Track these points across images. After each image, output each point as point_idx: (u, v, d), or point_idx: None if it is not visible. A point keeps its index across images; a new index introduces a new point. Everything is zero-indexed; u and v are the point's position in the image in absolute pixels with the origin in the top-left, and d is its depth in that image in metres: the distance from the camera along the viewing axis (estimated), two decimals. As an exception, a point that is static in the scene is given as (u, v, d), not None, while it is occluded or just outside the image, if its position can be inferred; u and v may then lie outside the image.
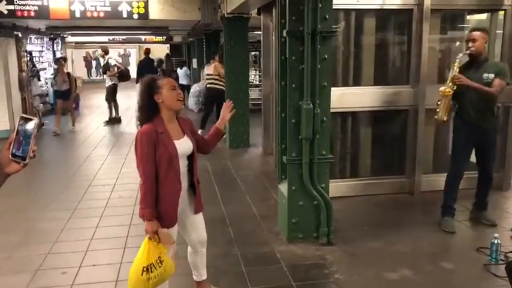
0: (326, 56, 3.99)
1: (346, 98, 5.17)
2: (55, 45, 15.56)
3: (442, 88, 4.18)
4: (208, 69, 9.69)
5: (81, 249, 4.11)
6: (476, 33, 4.17)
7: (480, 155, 4.42)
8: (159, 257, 2.66)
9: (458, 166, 4.38)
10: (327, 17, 3.94)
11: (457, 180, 4.39)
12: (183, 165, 2.79)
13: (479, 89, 4.10)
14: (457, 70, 4.14)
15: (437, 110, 4.24)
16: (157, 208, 2.70)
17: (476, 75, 4.14)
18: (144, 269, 2.62)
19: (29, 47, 13.02)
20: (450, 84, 4.14)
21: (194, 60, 16.91)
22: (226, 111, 3.13)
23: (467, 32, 4.41)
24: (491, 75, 4.15)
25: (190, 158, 2.85)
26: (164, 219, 2.74)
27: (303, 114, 3.94)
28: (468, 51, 4.18)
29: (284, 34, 3.98)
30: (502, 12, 5.52)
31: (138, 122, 2.76)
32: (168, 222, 2.76)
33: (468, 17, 6.12)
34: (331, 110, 4.20)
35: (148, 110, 2.73)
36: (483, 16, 6.06)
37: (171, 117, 2.77)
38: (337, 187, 5.12)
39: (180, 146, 2.74)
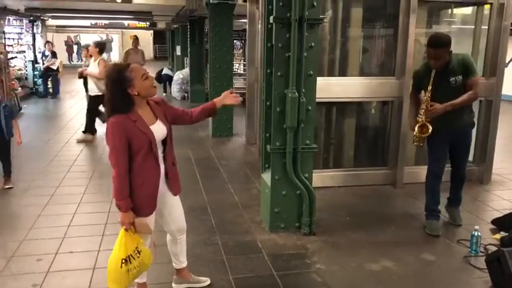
0: (313, 44, 3.92)
1: (331, 88, 5.13)
2: (35, 28, 15.16)
3: (419, 124, 3.93)
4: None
5: (57, 236, 4.00)
6: (441, 51, 3.81)
7: (455, 155, 4.21)
8: (137, 247, 2.61)
9: (436, 167, 4.16)
10: (315, 4, 3.87)
11: (437, 181, 4.17)
12: (158, 150, 2.70)
13: (457, 106, 3.87)
14: (429, 102, 3.87)
15: (415, 140, 4.06)
16: (137, 196, 2.62)
17: (443, 82, 3.89)
18: (123, 261, 2.56)
19: (6, 29, 12.71)
20: (422, 118, 3.90)
21: (178, 48, 16.70)
22: (232, 98, 3.01)
23: (426, 45, 3.94)
24: (459, 77, 3.89)
25: (165, 143, 2.76)
26: (144, 207, 2.66)
27: (288, 103, 3.88)
28: (433, 72, 3.86)
29: (271, 20, 3.90)
30: (487, 6, 5.54)
31: (108, 114, 2.60)
32: (148, 208, 2.69)
33: (454, 11, 6.13)
34: (316, 100, 4.15)
35: (124, 104, 2.55)
36: (468, 10, 6.07)
37: (142, 103, 2.66)
38: (320, 177, 5.10)
39: (154, 131, 2.65)
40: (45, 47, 14.05)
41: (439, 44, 3.85)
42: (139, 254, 2.61)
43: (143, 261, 2.64)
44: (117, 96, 2.56)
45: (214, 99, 3.01)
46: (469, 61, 3.99)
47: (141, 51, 10.99)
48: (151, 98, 2.76)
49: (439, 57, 3.83)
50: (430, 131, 3.92)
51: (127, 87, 2.55)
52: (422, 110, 3.94)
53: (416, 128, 4.00)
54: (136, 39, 11.24)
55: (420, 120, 3.97)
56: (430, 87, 3.89)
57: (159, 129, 2.69)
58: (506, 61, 5.80)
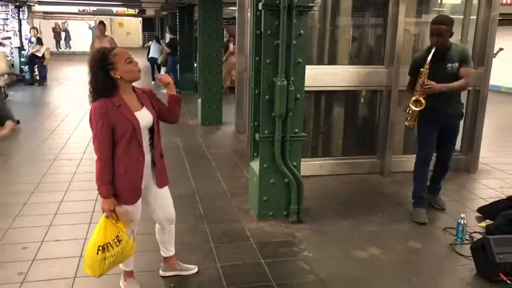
0: (302, 32, 3.90)
1: (320, 76, 5.11)
2: (21, 13, 14.89)
3: (415, 99, 3.97)
4: None
5: (44, 224, 3.96)
6: (443, 27, 3.90)
7: (443, 143, 4.25)
8: (117, 236, 2.57)
9: (425, 154, 4.23)
10: (304, -9, 3.84)
11: (425, 168, 4.24)
12: (145, 138, 2.67)
13: (449, 89, 3.96)
14: (426, 77, 3.91)
15: (407, 118, 4.09)
16: (120, 183, 2.59)
17: (440, 67, 3.96)
18: (100, 248, 2.53)
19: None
20: (419, 92, 3.94)
21: (167, 35, 16.51)
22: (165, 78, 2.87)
23: (431, 22, 4.06)
24: (456, 65, 4.00)
25: (152, 131, 2.72)
26: (127, 195, 2.64)
27: (277, 91, 3.86)
28: (433, 50, 3.91)
29: (260, 7, 3.86)
30: (477, -4, 5.55)
31: (91, 98, 2.57)
32: (131, 197, 2.67)
33: (444, 0, 6.13)
34: (305, 88, 4.13)
35: (106, 87, 2.53)
36: (457, 0, 6.07)
37: (127, 89, 2.63)
38: (309, 166, 5.11)
39: (139, 117, 2.61)
40: (30, 33, 13.82)
41: (442, 21, 3.99)
42: (120, 243, 2.56)
43: (123, 251, 2.59)
44: (99, 78, 2.53)
45: (168, 92, 2.88)
46: (467, 52, 4.16)
47: (108, 39, 9.73)
48: (139, 87, 2.74)
49: (441, 34, 3.91)
50: (423, 105, 3.95)
51: (109, 69, 2.52)
52: (419, 86, 3.96)
53: (411, 101, 4.02)
54: (101, 25, 10.08)
55: (416, 95, 4.00)
56: (429, 59, 3.91)
57: (144, 116, 2.65)
58: (494, 51, 5.84)
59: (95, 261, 2.55)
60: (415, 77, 4.09)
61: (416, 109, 4.01)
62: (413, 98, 4.01)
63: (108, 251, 2.53)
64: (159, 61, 12.42)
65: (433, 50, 3.93)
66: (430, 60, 3.93)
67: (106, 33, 10.19)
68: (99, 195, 2.62)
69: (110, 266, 2.61)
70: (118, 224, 2.58)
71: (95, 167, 2.57)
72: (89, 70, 2.57)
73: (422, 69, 3.94)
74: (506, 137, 8.11)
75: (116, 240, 2.55)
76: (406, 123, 4.18)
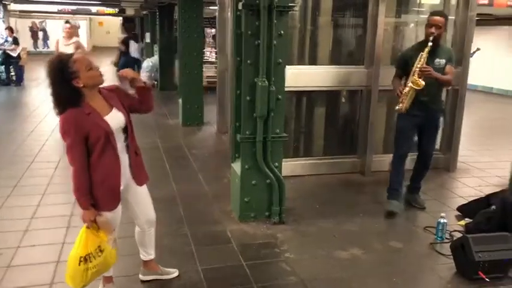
0: (282, 32, 3.88)
1: (301, 76, 5.11)
2: (-4, 12, 14.59)
3: (413, 80, 4.00)
4: None
5: (20, 228, 3.86)
6: (441, 20, 4.06)
7: (424, 139, 4.36)
8: (99, 246, 2.51)
9: (402, 151, 4.32)
10: (284, -9, 3.82)
11: (402, 165, 4.35)
12: (119, 140, 2.60)
13: (441, 79, 4.11)
14: (425, 61, 3.99)
15: (402, 100, 4.09)
16: (98, 191, 2.52)
17: (429, 60, 4.05)
18: (82, 259, 2.47)
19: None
20: (417, 75, 3.99)
21: (147, 34, 16.36)
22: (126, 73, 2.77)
23: (428, 15, 4.18)
24: (443, 61, 4.15)
25: (126, 131, 2.65)
26: (106, 201, 2.58)
27: (258, 92, 3.84)
28: (431, 38, 4.00)
29: (240, 7, 3.84)
30: (455, -3, 5.61)
31: (57, 110, 2.44)
32: (111, 203, 2.61)
33: (422, 1, 6.18)
34: (286, 89, 4.12)
35: (71, 98, 2.41)
36: (436, 0, 6.14)
37: (93, 94, 2.51)
38: (290, 166, 5.10)
39: (110, 120, 2.53)
40: (5, 32, 13.53)
41: (442, 13, 4.21)
42: (102, 253, 2.51)
43: (105, 260, 2.55)
44: (63, 90, 2.41)
45: (135, 85, 2.78)
46: (453, 53, 4.41)
47: (74, 41, 8.34)
48: (104, 87, 2.63)
49: (440, 26, 4.04)
50: (421, 87, 3.98)
51: (72, 79, 2.40)
52: (417, 70, 4.01)
53: (410, 81, 4.04)
54: (67, 24, 8.66)
55: (414, 77, 4.02)
56: (430, 45, 3.99)
57: (115, 118, 2.57)
58: (472, 51, 5.92)
59: (77, 272, 2.48)
60: (402, 70, 4.24)
61: (415, 87, 4.01)
62: (412, 78, 4.03)
63: (90, 261, 2.48)
64: (111, 62, 11.95)
65: (431, 38, 4.00)
66: (419, 53, 4.04)
67: (75, 36, 8.78)
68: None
69: (92, 277, 2.56)
70: (99, 234, 2.53)
71: (71, 178, 2.49)
72: (49, 81, 2.42)
73: (422, 53, 4.02)
74: (484, 135, 8.25)
75: (98, 250, 2.50)
76: (398, 107, 4.17)
